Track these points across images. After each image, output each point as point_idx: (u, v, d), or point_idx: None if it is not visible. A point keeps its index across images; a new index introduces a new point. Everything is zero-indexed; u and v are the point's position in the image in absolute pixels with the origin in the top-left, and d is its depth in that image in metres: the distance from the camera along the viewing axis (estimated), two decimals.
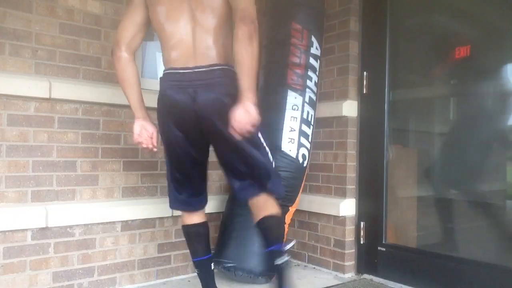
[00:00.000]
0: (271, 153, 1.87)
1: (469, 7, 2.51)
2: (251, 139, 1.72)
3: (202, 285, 2.01)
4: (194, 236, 1.99)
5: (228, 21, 1.71)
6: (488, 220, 2.44)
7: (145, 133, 1.84)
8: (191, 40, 1.68)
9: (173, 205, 1.98)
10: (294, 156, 2.51)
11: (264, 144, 1.83)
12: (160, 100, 1.78)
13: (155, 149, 1.88)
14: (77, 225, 2.20)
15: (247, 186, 1.83)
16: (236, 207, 2.47)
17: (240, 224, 2.45)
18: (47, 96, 2.12)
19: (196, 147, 1.81)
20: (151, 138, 1.85)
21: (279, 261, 1.84)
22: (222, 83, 1.70)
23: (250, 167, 1.79)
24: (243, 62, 1.60)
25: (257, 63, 1.65)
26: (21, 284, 2.05)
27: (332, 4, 2.80)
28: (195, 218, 1.97)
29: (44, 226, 2.08)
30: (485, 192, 2.49)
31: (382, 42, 2.65)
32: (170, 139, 1.80)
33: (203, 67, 1.69)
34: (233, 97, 1.65)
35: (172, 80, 1.73)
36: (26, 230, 2.06)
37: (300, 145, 2.53)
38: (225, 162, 1.84)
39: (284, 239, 2.57)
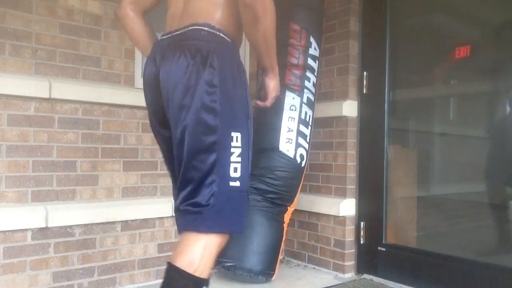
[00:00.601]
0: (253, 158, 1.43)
1: (469, 7, 2.51)
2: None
3: None
4: None
5: None
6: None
7: None
8: (183, 1, 1.39)
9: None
10: (292, 156, 2.51)
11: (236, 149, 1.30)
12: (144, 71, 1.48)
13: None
14: (77, 225, 2.20)
15: (183, 213, 1.30)
16: None
17: None
18: (47, 96, 2.12)
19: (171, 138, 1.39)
20: None
21: None
22: (190, 47, 1.28)
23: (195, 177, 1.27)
24: (256, 47, 1.40)
25: (271, 39, 1.40)
26: (21, 284, 2.05)
27: (332, 4, 2.80)
28: None
29: (44, 226, 2.08)
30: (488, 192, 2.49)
31: (382, 42, 2.65)
32: (151, 126, 1.49)
33: (180, 29, 1.34)
34: (199, 71, 1.26)
35: (152, 50, 1.44)
36: (26, 230, 2.06)
37: (298, 145, 2.53)
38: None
39: (284, 238, 2.58)
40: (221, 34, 1.33)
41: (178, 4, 1.41)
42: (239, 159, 1.28)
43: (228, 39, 1.35)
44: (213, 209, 1.24)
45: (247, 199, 1.33)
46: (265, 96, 1.51)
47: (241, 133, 1.30)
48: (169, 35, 1.37)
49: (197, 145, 1.26)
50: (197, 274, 1.23)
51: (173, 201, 2.52)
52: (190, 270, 1.22)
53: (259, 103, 1.53)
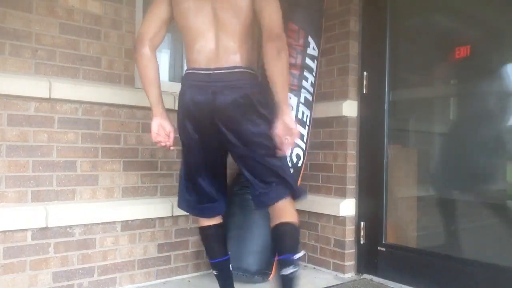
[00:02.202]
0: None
1: (469, 7, 2.51)
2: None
3: (220, 286, 1.98)
4: (212, 238, 1.96)
5: (252, 26, 1.72)
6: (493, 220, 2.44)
7: (162, 131, 1.82)
8: (214, 42, 1.69)
9: (181, 205, 1.93)
10: (288, 157, 2.50)
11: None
12: (180, 99, 1.77)
13: (172, 148, 1.86)
14: (77, 225, 2.20)
15: (269, 192, 1.73)
16: (232, 206, 2.47)
17: (236, 224, 2.46)
18: (47, 96, 2.12)
19: (211, 153, 1.79)
20: (168, 136, 1.83)
21: (286, 271, 1.73)
22: (241, 85, 1.68)
23: (274, 173, 1.72)
24: (275, 78, 1.62)
25: (288, 74, 1.77)
26: (21, 284, 2.05)
27: (332, 4, 2.80)
28: (212, 220, 1.94)
29: (44, 226, 2.08)
30: (487, 192, 2.49)
31: (382, 42, 2.65)
32: (186, 141, 1.78)
33: (223, 68, 1.68)
34: (251, 99, 1.67)
35: (193, 80, 1.72)
36: (26, 230, 2.06)
37: (295, 145, 2.52)
38: (248, 169, 1.76)
39: None
40: (254, 72, 1.75)
41: (207, 41, 1.70)
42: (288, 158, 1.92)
43: (257, 75, 1.77)
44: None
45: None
46: (283, 134, 1.68)
47: None
48: (211, 72, 1.69)
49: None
50: (297, 224, 1.80)
51: (173, 201, 2.53)
52: (296, 222, 1.78)
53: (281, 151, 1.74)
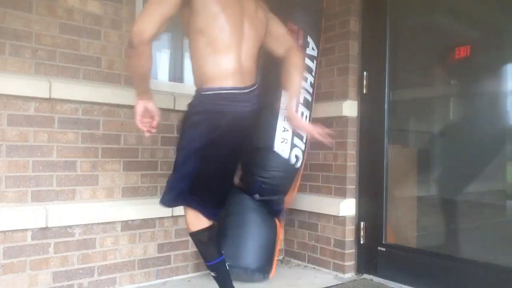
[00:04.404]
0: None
1: (469, 7, 2.51)
2: None
3: (220, 286, 1.96)
4: (208, 241, 1.92)
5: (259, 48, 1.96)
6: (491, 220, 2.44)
7: (147, 114, 1.83)
8: (240, 60, 1.81)
9: (178, 201, 1.93)
10: (286, 157, 2.50)
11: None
12: (215, 113, 1.78)
13: (153, 131, 1.87)
14: (77, 225, 2.20)
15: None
16: (229, 206, 2.47)
17: (234, 223, 2.46)
18: (47, 96, 2.12)
19: (233, 161, 1.94)
20: (152, 119, 1.85)
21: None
22: (260, 100, 1.92)
23: None
24: (297, 87, 2.09)
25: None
26: (21, 284, 2.05)
27: (332, 4, 2.80)
28: (205, 221, 1.89)
29: (44, 226, 2.08)
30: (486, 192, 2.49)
31: (382, 42, 2.64)
32: (213, 151, 1.81)
33: (249, 87, 1.84)
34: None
35: (230, 98, 1.79)
36: (26, 230, 2.06)
37: (293, 145, 2.52)
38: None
39: (279, 237, 2.58)
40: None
41: (234, 62, 1.78)
42: None
43: None
44: None
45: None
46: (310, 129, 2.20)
47: None
48: (245, 90, 1.82)
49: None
50: None
51: None
52: None
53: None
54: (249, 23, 1.83)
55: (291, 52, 2.05)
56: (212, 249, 1.93)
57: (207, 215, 1.90)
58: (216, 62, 1.76)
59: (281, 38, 2.05)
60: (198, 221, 1.89)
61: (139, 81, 1.78)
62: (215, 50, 1.75)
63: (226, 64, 1.76)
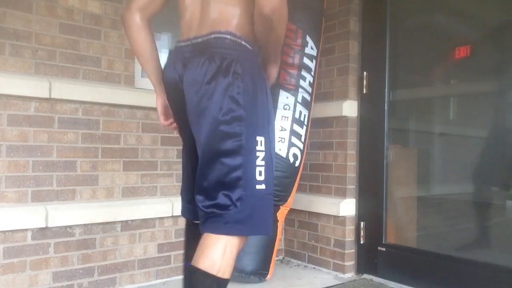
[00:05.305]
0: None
1: (469, 7, 2.51)
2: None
3: None
4: (194, 236, 1.52)
5: None
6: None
7: (168, 110, 1.58)
8: (200, 9, 1.38)
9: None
10: (284, 156, 2.50)
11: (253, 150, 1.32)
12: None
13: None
14: (77, 225, 2.20)
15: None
16: None
17: None
18: (47, 96, 2.12)
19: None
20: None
21: None
22: (213, 54, 1.30)
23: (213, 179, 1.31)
24: (265, 47, 1.49)
25: (282, 40, 1.52)
26: (21, 284, 2.05)
27: (332, 4, 2.80)
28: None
29: (44, 226, 2.08)
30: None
31: (382, 42, 2.65)
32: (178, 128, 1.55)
33: (200, 36, 1.34)
34: (222, 77, 1.28)
35: (170, 55, 1.46)
36: (26, 230, 2.06)
37: (291, 144, 2.52)
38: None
39: (278, 237, 2.58)
40: (243, 42, 1.35)
41: (194, 11, 1.40)
42: (263, 162, 1.31)
43: (250, 47, 1.37)
44: (240, 212, 1.27)
45: (272, 201, 1.37)
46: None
47: (264, 137, 1.33)
48: (189, 42, 1.37)
49: (222, 149, 1.28)
50: (219, 274, 1.25)
51: (173, 201, 2.53)
52: (213, 271, 1.24)
53: None
54: None
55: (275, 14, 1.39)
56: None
57: (191, 218, 1.58)
58: (181, 10, 1.45)
59: None
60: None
61: (146, 70, 1.56)
62: (181, 13, 1.46)
63: (183, 9, 1.43)
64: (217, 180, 1.28)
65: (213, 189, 1.28)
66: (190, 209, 1.52)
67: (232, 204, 1.26)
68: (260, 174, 1.30)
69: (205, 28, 1.35)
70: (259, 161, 1.31)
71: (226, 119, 1.28)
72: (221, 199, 1.27)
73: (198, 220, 1.44)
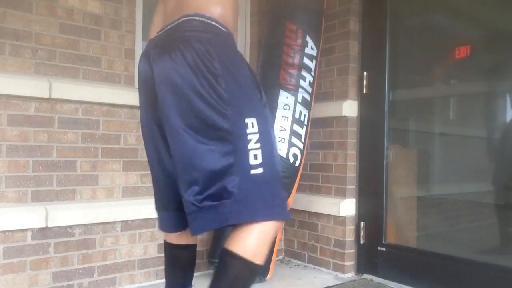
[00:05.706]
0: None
1: (469, 7, 2.51)
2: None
3: None
4: (173, 260, 1.54)
5: None
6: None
7: None
8: (174, 0, 1.35)
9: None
10: (285, 156, 2.50)
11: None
12: None
13: None
14: (77, 225, 2.20)
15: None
16: None
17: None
18: (47, 96, 2.12)
19: (164, 140, 1.35)
20: None
21: None
22: (183, 38, 1.22)
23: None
24: None
25: None
26: (21, 284, 2.05)
27: (332, 4, 2.80)
28: (181, 237, 1.50)
29: (44, 226, 2.08)
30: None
31: (382, 42, 2.65)
32: (142, 127, 1.46)
33: (171, 23, 1.28)
34: (197, 66, 1.19)
35: (145, 48, 1.38)
36: (26, 230, 2.06)
37: (291, 144, 2.52)
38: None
39: (278, 237, 2.58)
40: (213, 23, 1.26)
41: (170, 2, 1.35)
42: (257, 145, 1.20)
43: (222, 28, 1.27)
44: (237, 200, 1.17)
45: (278, 184, 1.25)
46: None
47: (256, 118, 1.22)
48: (162, 31, 1.31)
49: (208, 137, 1.19)
50: (254, 260, 1.17)
51: None
52: (247, 255, 1.16)
53: None
54: None
55: None
56: (175, 272, 1.58)
57: (165, 230, 1.53)
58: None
59: None
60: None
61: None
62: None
63: (164, 13, 1.40)
64: (209, 170, 1.18)
65: (206, 179, 1.19)
66: (170, 217, 1.43)
67: (227, 193, 1.17)
68: (255, 157, 1.19)
69: (177, 15, 1.29)
70: (252, 145, 1.20)
71: (207, 107, 1.18)
72: (215, 189, 1.18)
73: (178, 230, 1.41)
